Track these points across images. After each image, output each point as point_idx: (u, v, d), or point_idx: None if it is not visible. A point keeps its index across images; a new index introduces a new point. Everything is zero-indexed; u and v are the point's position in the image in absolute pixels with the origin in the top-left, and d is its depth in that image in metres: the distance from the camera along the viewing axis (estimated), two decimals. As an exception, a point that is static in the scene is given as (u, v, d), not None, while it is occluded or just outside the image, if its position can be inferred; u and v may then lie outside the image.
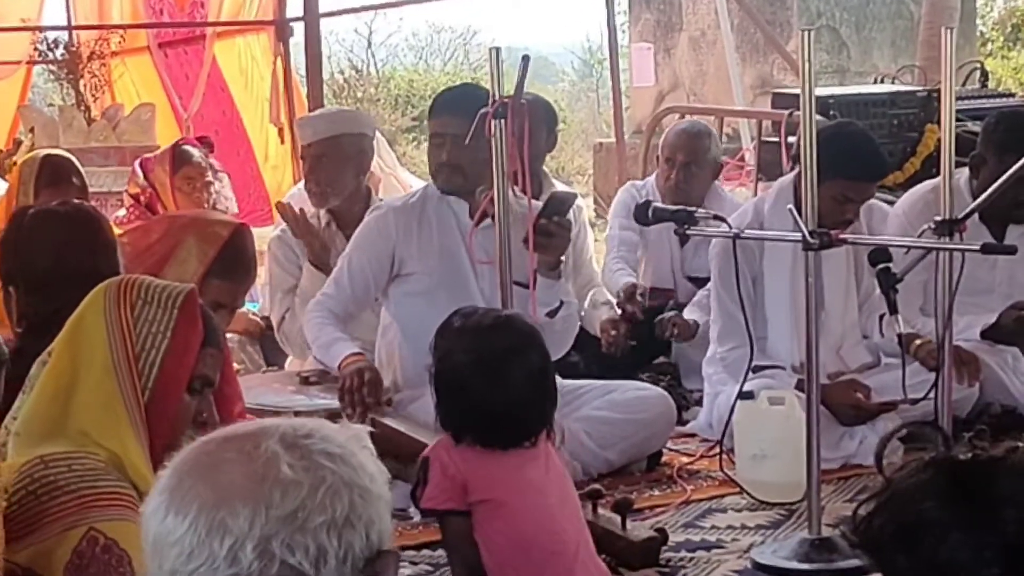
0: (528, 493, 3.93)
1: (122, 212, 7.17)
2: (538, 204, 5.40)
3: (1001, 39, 21.66)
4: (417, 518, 4.30)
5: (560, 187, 7.14)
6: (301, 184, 7.85)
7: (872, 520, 2.10)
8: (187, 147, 7.29)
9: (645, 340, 6.93)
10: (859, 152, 5.85)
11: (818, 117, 7.38)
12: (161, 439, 3.04)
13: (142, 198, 7.19)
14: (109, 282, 3.17)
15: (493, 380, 3.99)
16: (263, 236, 7.62)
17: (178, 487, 1.98)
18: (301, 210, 6.51)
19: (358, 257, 5.87)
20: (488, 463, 3.94)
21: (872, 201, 6.35)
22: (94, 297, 3.13)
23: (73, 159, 6.58)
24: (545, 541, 3.88)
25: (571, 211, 6.34)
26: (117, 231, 4.87)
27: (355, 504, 1.97)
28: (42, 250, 4.17)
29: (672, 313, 7.02)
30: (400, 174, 7.60)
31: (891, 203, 6.73)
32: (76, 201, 4.89)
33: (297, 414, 5.42)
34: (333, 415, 5.44)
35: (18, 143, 11.13)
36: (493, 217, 5.09)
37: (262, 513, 1.92)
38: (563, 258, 5.76)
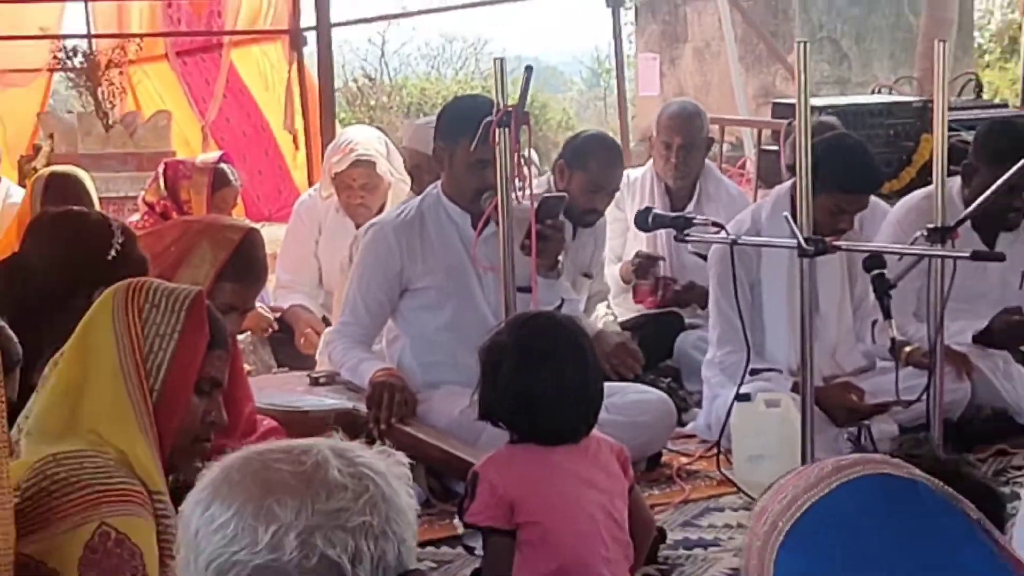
0: (579, 516, 3.89)
1: (136, 217, 7.17)
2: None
3: (998, 51, 21.66)
4: (461, 531, 4.31)
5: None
6: (314, 188, 7.89)
7: None
8: (227, 168, 7.30)
9: (649, 342, 6.94)
10: (854, 165, 5.86)
11: (833, 119, 7.51)
12: (170, 439, 3.07)
13: (157, 207, 7.19)
14: (118, 286, 3.19)
15: (531, 360, 3.99)
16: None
17: (224, 481, 2.00)
18: None
19: (368, 283, 5.89)
20: (537, 482, 3.91)
21: (873, 199, 6.40)
22: (103, 301, 3.15)
23: (80, 175, 6.54)
24: (585, 568, 3.85)
25: (597, 223, 6.47)
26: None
27: (390, 519, 2.00)
28: None
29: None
30: (409, 181, 7.61)
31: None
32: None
33: (306, 414, 5.47)
34: (342, 415, 5.49)
35: (38, 149, 11.15)
36: (496, 223, 5.11)
37: (308, 506, 1.95)
38: (559, 257, 5.80)
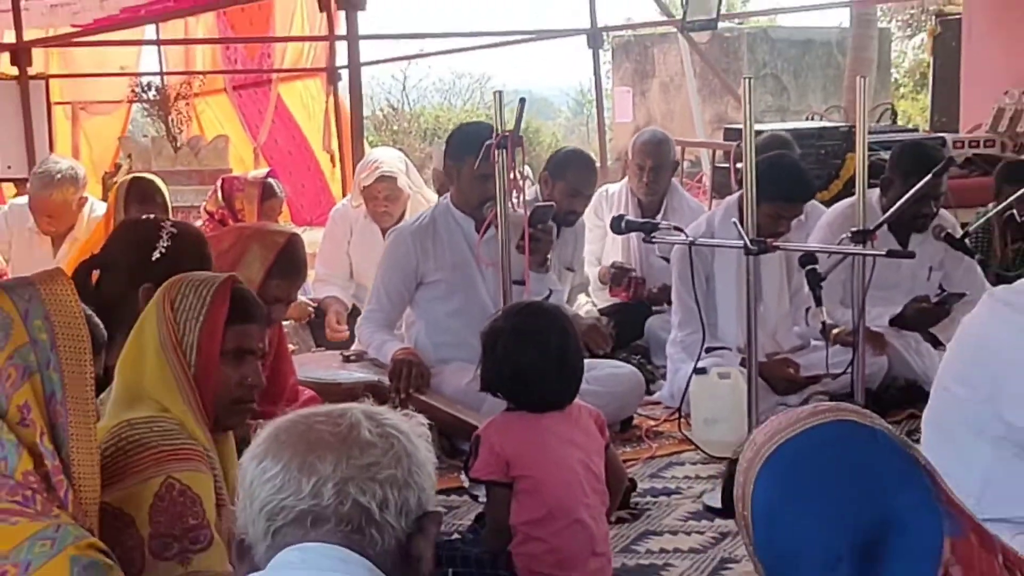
0: (563, 471, 3.87)
1: (199, 223, 7.16)
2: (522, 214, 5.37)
3: (911, 84, 21.70)
4: (466, 483, 4.28)
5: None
6: (347, 198, 7.88)
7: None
8: (274, 182, 7.30)
9: (622, 326, 6.96)
10: (790, 179, 5.83)
11: (786, 134, 7.51)
12: (211, 403, 3.06)
13: (216, 216, 7.19)
14: (166, 282, 3.19)
15: (524, 341, 3.96)
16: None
17: (275, 440, 2.02)
18: None
19: (390, 278, 5.90)
20: (529, 442, 3.88)
21: (814, 204, 6.41)
22: (155, 295, 3.16)
23: (156, 181, 6.55)
24: (571, 515, 3.83)
25: (572, 228, 6.45)
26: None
27: (412, 471, 2.02)
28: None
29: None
30: (425, 192, 7.61)
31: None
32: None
33: (339, 385, 5.46)
34: (369, 386, 5.47)
35: (119, 167, 11.15)
36: (496, 227, 5.11)
37: (344, 461, 1.97)
38: (548, 256, 5.80)
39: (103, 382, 3.22)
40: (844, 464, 1.98)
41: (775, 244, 5.02)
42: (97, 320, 3.27)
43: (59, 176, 7.04)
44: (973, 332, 3.41)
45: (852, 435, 2.01)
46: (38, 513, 2.47)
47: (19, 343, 2.58)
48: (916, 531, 1.94)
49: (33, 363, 2.58)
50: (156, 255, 4.09)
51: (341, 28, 11.10)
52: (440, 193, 7.08)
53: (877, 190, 6.29)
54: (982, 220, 6.76)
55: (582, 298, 7.07)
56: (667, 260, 6.76)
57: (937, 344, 6.33)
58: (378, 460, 1.98)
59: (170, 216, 6.32)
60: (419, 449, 2.05)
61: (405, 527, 1.99)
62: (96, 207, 7.28)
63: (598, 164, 13.28)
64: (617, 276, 7.38)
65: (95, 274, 4.21)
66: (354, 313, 6.89)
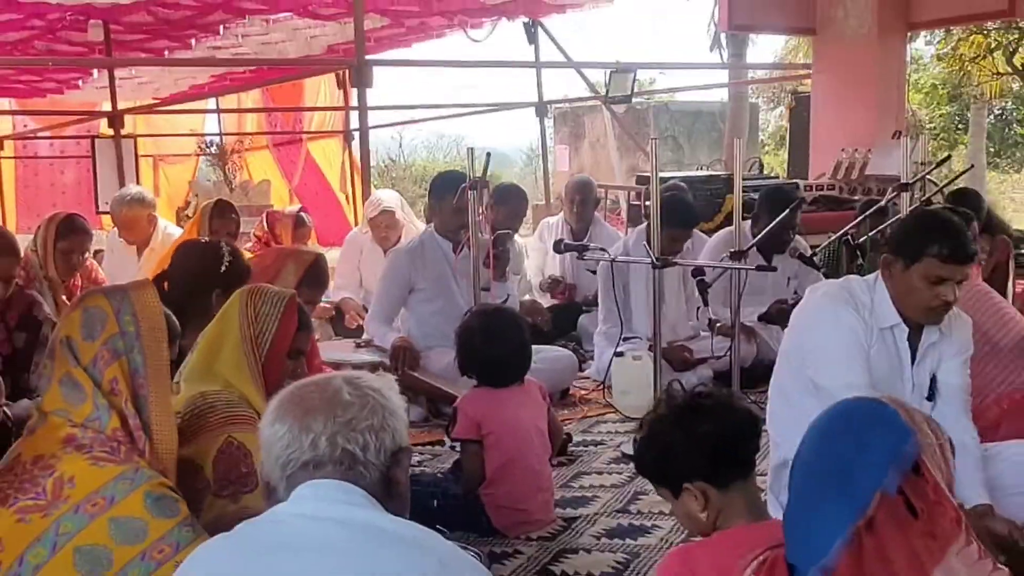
0: (518, 429, 3.89)
1: (248, 245, 7.14)
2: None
3: (773, 144, 21.83)
4: (448, 444, 4.24)
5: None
6: (358, 227, 7.86)
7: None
8: (304, 215, 7.28)
9: (561, 322, 6.99)
10: (679, 210, 5.78)
11: (682, 184, 7.49)
12: (272, 388, 3.04)
13: (262, 239, 7.17)
14: (243, 289, 3.17)
15: (490, 337, 3.98)
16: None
17: (279, 408, 2.03)
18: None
19: (389, 287, 5.84)
20: (493, 409, 3.89)
21: (696, 232, 6.43)
22: (235, 296, 3.14)
23: (232, 202, 6.60)
24: (523, 461, 3.86)
25: (512, 245, 6.44)
26: (248, 255, 4.86)
27: (386, 418, 2.01)
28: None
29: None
30: (416, 223, 7.60)
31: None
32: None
33: (352, 364, 5.44)
34: (375, 365, 5.46)
35: (188, 203, 11.14)
36: (468, 248, 5.11)
37: (331, 420, 1.97)
38: (508, 270, 5.80)
39: (178, 361, 3.21)
40: (857, 422, 2.03)
41: (675, 261, 5.04)
42: (175, 319, 3.26)
43: (128, 198, 6.99)
44: (797, 315, 3.60)
45: (877, 408, 2.06)
46: (122, 460, 2.51)
47: (111, 332, 2.64)
48: (855, 481, 1.96)
49: (121, 348, 2.63)
50: (223, 267, 4.07)
51: (354, 100, 11.11)
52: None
53: (749, 221, 6.32)
54: (826, 244, 6.79)
55: (527, 299, 7.08)
56: (594, 272, 6.77)
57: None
58: (357, 415, 1.98)
59: (239, 227, 6.38)
60: (390, 399, 2.04)
61: (385, 461, 1.99)
62: (170, 228, 7.23)
63: (543, 202, 13.38)
64: (552, 286, 7.48)
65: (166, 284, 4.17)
66: (363, 312, 6.89)
